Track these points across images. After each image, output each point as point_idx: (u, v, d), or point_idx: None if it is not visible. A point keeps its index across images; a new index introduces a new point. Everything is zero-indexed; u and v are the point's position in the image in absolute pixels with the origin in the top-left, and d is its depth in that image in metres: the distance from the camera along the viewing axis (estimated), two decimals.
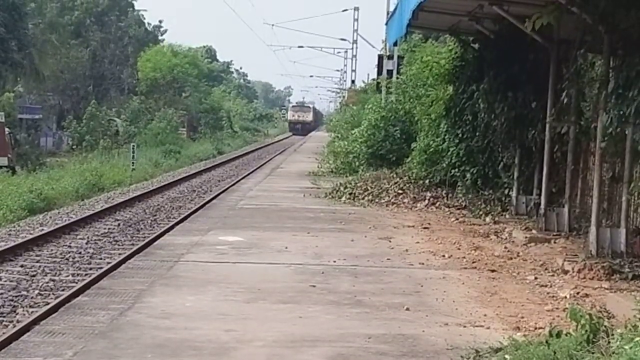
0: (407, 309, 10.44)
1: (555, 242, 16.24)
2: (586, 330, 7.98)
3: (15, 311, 13.45)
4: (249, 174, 35.80)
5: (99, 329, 9.00)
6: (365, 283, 12.02)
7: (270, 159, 43.07)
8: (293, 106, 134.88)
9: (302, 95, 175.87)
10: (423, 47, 30.17)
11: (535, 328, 9.46)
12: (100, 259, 17.97)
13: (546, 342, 7.95)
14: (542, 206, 18.32)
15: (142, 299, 10.51)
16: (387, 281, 12.24)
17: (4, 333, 11.67)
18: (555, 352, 7.49)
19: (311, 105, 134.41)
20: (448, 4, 18.53)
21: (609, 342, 7.34)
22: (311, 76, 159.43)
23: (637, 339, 5.58)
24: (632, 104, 11.57)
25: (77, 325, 9.14)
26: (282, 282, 11.88)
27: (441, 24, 22.68)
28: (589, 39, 14.83)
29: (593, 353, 7.29)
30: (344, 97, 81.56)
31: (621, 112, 12.20)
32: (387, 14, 30.95)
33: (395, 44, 33.40)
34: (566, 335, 8.16)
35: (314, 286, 11.65)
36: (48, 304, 13.37)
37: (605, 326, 8.19)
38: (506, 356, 8.06)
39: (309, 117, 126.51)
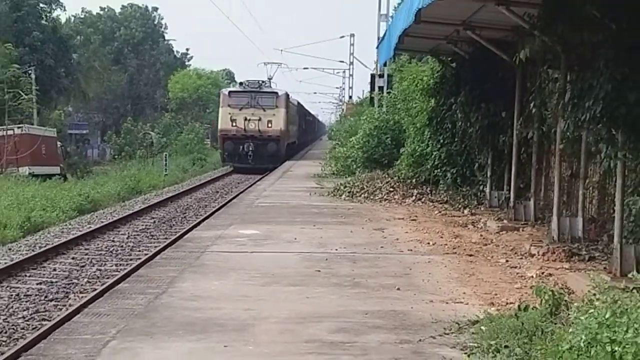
0: (398, 289, 10.44)
1: (523, 230, 16.26)
2: (549, 305, 8.00)
3: (67, 296, 13.50)
4: (263, 177, 35.74)
5: (138, 311, 9.02)
6: (362, 267, 12.02)
7: (281, 164, 43.03)
8: (232, 92, 47.66)
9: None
10: (409, 67, 30.22)
11: (507, 303, 9.45)
12: (139, 251, 18.03)
13: (515, 315, 7.96)
14: (512, 200, 18.34)
15: (174, 284, 10.53)
16: (381, 265, 12.23)
17: (58, 315, 11.72)
18: (523, 324, 7.50)
19: (281, 92, 48.12)
20: (429, 29, 18.50)
21: (568, 314, 7.35)
22: (315, 93, 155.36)
23: (592, 311, 5.59)
24: (585, 111, 11.56)
25: (120, 308, 9.16)
26: (292, 268, 11.90)
27: (424, 47, 22.67)
28: (549, 57, 14.84)
29: (555, 324, 7.30)
30: (343, 109, 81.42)
31: (576, 119, 12.20)
32: (378, 39, 30.89)
33: (385, 65, 33.43)
34: (532, 309, 8.18)
35: (319, 271, 11.65)
36: (95, 289, 13.41)
37: (565, 301, 8.22)
38: (482, 327, 8.07)
39: (276, 121, 45.94)
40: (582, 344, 5.52)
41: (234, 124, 44.10)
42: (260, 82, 46.53)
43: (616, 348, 5.21)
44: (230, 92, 46.66)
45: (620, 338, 5.20)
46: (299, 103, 62.99)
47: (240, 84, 47.67)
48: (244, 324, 8.51)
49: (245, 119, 44.07)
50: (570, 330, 5.89)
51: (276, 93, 46.09)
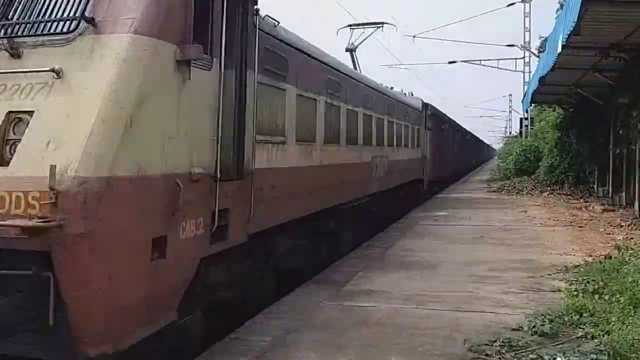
0: (531, 247, 10.05)
1: (617, 211, 15.03)
2: (623, 256, 7.48)
3: None
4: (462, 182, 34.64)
5: (376, 257, 9.35)
6: (510, 234, 11.61)
7: None
8: None
9: None
10: (543, 112, 28.67)
11: (599, 255, 8.81)
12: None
13: (600, 262, 7.53)
14: (610, 192, 17.04)
15: (397, 243, 10.72)
16: (521, 232, 11.78)
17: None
18: (604, 267, 7.10)
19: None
20: (551, 89, 17.57)
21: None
22: (489, 131, 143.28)
23: None
24: None
25: (365, 255, 9.55)
26: (466, 234, 11.62)
27: (549, 100, 21.55)
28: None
29: (625, 267, 6.82)
30: (506, 139, 77.02)
31: None
32: (523, 96, 29.50)
33: (526, 111, 31.90)
34: (614, 258, 7.69)
35: (482, 236, 11.39)
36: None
37: (631, 253, 7.62)
38: (580, 269, 7.67)
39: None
40: (637, 280, 5.24)
41: None
42: None
43: None
44: None
45: None
46: (429, 106, 20.07)
47: None
48: (432, 264, 8.62)
49: None
50: (628, 269, 5.59)
51: None
